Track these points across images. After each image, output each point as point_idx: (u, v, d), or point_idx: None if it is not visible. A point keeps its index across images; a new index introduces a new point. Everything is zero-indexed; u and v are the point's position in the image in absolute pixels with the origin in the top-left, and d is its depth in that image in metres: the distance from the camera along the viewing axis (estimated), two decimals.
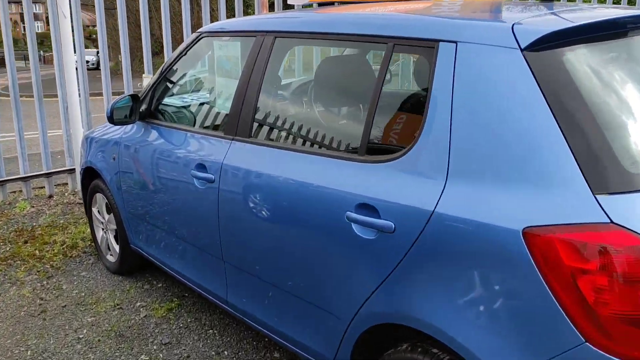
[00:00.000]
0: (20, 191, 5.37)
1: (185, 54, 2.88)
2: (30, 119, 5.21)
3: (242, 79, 2.44)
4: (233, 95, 2.48)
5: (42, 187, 5.51)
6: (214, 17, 6.31)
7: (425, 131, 1.73)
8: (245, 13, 5.94)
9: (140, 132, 3.09)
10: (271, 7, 6.06)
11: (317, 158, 2.05)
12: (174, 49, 5.57)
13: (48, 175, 5.27)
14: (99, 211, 3.79)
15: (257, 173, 2.25)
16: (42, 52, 29.81)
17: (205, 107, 2.91)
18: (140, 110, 3.07)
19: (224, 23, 2.74)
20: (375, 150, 1.90)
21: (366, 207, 1.82)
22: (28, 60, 5.19)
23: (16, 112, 5.05)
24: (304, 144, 2.23)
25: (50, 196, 5.30)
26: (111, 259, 3.75)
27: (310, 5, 2.76)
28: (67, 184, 5.58)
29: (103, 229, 3.78)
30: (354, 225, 1.86)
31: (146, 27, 5.32)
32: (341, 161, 1.96)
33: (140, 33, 5.31)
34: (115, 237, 3.65)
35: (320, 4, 2.68)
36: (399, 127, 1.95)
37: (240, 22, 2.62)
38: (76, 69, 5.03)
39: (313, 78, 2.81)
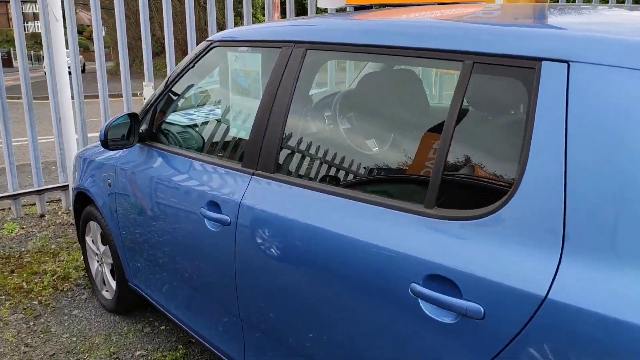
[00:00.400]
0: (9, 209, 4.92)
1: (193, 66, 2.42)
2: (24, 123, 4.74)
3: (264, 99, 1.98)
4: (253, 119, 2.03)
5: (33, 204, 5.06)
6: (218, 18, 5.87)
7: (526, 180, 1.27)
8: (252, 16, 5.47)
9: (139, 156, 2.64)
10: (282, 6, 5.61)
11: (367, 207, 1.59)
12: (176, 51, 5.12)
13: (39, 192, 4.82)
14: (93, 241, 3.34)
15: (285, 220, 1.80)
16: (41, 52, 29.30)
17: (217, 131, 2.45)
18: (140, 130, 2.61)
19: (240, 30, 2.29)
20: (451, 201, 1.45)
21: (440, 280, 1.36)
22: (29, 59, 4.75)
23: (4, 121, 4.59)
24: (347, 185, 1.77)
25: (42, 215, 4.84)
26: (107, 295, 3.29)
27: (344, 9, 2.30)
28: (60, 200, 5.12)
29: (98, 261, 3.33)
30: (422, 302, 1.40)
31: (146, 28, 4.87)
32: (402, 213, 1.50)
33: (140, 32, 4.85)
34: (112, 272, 3.20)
35: (356, 8, 2.22)
36: (484, 170, 1.49)
37: (260, 29, 2.16)
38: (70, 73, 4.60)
39: (351, 96, 2.34)
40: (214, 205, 2.09)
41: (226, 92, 2.31)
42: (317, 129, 2.17)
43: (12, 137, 4.72)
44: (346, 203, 1.65)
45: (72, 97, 4.66)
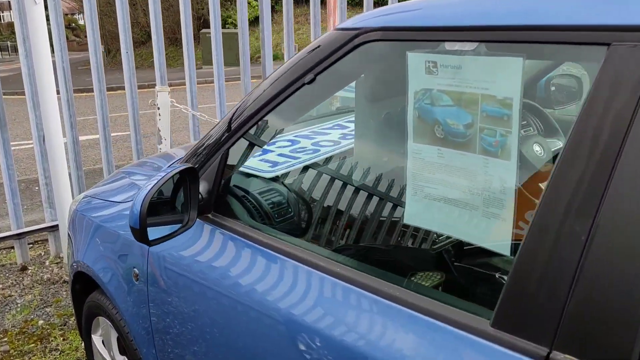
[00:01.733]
0: None
1: (313, 79, 1.22)
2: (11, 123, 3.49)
3: (564, 163, 0.81)
4: (537, 210, 0.87)
5: (10, 248, 3.83)
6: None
7: None
8: None
9: (197, 240, 1.45)
10: None
11: None
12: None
13: (19, 236, 3.59)
14: (103, 342, 2.15)
15: None
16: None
17: (380, 217, 1.25)
18: (200, 196, 1.42)
19: (438, 5, 1.08)
20: None
21: None
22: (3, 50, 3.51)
23: None
24: None
25: (24, 268, 3.60)
26: None
27: None
28: (47, 240, 3.89)
29: None
30: None
31: (157, 18, 3.64)
32: None
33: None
34: None
35: None
36: None
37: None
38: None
39: None
40: None
41: (393, 133, 1.12)
42: None
43: None
44: None
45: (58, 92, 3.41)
